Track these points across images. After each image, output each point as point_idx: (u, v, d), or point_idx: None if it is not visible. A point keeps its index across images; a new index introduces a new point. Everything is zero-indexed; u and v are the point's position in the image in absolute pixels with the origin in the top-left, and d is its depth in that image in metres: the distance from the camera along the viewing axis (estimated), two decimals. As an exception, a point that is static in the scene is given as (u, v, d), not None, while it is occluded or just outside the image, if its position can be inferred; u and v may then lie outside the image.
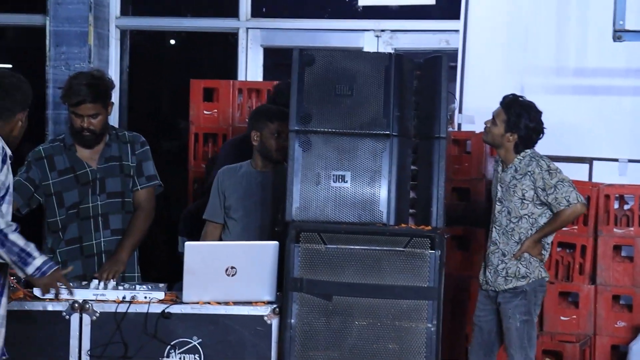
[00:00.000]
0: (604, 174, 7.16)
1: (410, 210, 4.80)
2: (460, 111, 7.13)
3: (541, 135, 5.40)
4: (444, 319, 4.72)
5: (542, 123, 5.39)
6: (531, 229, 5.17)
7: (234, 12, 8.51)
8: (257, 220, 5.40)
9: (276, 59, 8.74)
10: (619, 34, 6.00)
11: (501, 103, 5.42)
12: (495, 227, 5.27)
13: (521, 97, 5.49)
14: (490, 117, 5.46)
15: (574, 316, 6.40)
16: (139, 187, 5.07)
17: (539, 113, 5.34)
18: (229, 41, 8.81)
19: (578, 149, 7.14)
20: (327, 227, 4.55)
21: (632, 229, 6.76)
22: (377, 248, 4.47)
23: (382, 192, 4.64)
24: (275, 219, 5.18)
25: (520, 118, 5.26)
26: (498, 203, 5.26)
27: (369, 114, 4.74)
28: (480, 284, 5.38)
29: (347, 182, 4.71)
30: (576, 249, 6.67)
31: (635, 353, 6.23)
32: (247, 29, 8.54)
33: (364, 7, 8.28)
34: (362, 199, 4.63)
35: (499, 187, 5.27)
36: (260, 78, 8.57)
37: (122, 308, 4.33)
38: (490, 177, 6.08)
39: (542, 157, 5.34)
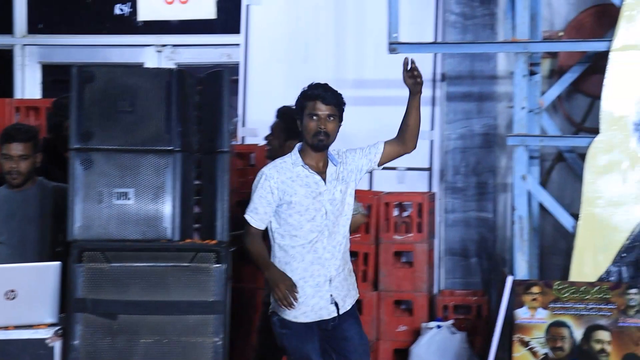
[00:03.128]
0: (383, 183, 7.38)
1: (195, 225, 4.86)
2: (243, 124, 7.24)
3: None
4: (232, 331, 4.79)
5: None
6: None
7: (8, 29, 8.36)
8: (25, 239, 5.33)
9: (55, 76, 8.56)
10: (393, 46, 6.10)
11: (276, 115, 5.66)
12: None
13: (292, 106, 5.64)
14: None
15: (359, 323, 6.56)
16: None
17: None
18: (4, 58, 8.60)
19: (358, 158, 7.11)
20: (110, 246, 4.55)
21: (411, 235, 6.99)
22: (163, 264, 4.53)
23: (166, 208, 4.69)
24: (55, 239, 5.12)
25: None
26: None
27: (151, 130, 4.78)
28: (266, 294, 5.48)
29: (130, 199, 4.72)
30: (359, 257, 6.83)
31: (416, 355, 6.57)
32: (24, 45, 8.42)
33: (144, 22, 8.28)
34: (146, 216, 4.67)
35: None
36: (38, 95, 8.39)
37: None
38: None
39: None
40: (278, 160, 4.52)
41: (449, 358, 6.80)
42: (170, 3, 8.15)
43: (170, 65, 7.65)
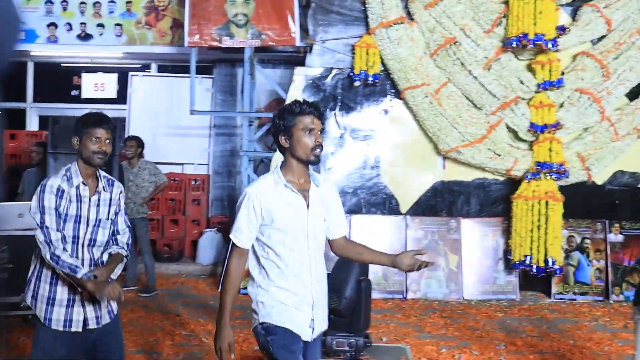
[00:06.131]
0: (187, 168, 8.56)
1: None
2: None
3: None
4: None
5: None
6: None
7: (23, 99, 8.97)
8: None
9: (44, 122, 8.77)
10: (192, 111, 7.39)
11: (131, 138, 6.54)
12: None
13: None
14: None
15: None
16: None
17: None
18: (22, 114, 9.01)
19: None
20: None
21: (200, 192, 8.08)
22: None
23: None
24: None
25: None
26: None
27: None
28: None
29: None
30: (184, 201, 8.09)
31: (201, 242, 7.76)
32: (30, 107, 8.91)
33: (86, 98, 8.85)
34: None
35: None
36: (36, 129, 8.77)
37: None
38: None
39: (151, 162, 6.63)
40: (260, 179, 2.80)
41: (215, 246, 7.94)
42: (96, 90, 9.20)
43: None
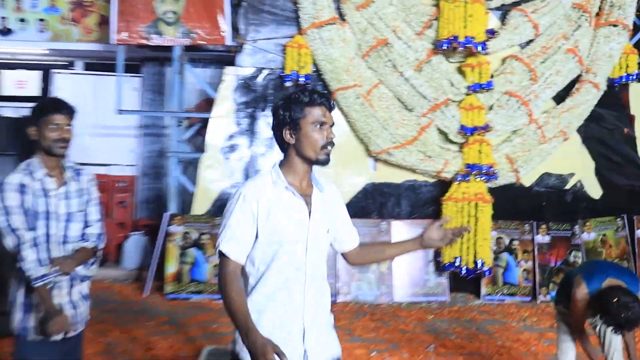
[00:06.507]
0: (113, 169, 8.57)
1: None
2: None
3: None
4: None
5: None
6: None
7: None
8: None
9: None
10: (120, 111, 7.30)
11: None
12: None
13: None
14: None
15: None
16: None
17: None
18: None
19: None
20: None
21: (127, 194, 8.16)
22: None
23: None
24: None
25: None
26: None
27: (5, 144, 6.11)
28: None
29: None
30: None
31: (127, 245, 7.64)
32: None
33: (7, 95, 8.78)
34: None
35: None
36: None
37: None
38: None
39: None
40: (256, 179, 2.34)
41: (140, 249, 7.82)
42: (20, 88, 9.04)
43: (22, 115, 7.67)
